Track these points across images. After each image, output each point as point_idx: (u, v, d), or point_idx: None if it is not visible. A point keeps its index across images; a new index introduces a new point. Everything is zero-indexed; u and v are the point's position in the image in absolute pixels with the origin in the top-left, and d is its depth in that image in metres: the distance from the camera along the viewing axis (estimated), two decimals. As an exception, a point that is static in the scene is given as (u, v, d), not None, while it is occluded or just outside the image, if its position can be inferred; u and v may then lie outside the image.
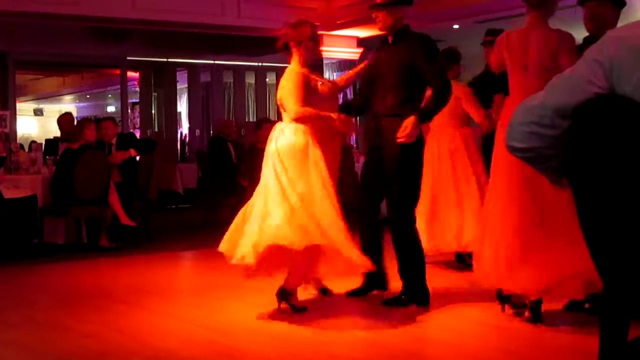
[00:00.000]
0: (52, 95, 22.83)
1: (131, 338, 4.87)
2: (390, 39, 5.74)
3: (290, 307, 5.40)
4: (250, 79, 17.09)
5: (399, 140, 5.37)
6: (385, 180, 5.64)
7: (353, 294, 5.86)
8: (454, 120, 7.00)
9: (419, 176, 5.66)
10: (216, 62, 16.35)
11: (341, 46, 12.38)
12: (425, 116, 5.49)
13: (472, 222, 6.66)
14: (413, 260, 5.61)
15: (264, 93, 17.15)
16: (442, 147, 7.04)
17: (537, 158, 2.14)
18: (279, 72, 18.00)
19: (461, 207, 6.91)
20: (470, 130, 7.16)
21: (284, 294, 5.43)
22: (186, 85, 16.79)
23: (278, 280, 6.06)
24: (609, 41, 2.01)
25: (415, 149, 5.53)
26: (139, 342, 4.77)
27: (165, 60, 15.95)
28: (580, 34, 5.17)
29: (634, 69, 1.94)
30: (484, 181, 6.40)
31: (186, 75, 16.55)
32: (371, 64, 5.87)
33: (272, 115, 17.10)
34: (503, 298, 5.16)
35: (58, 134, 10.77)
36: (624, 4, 5.21)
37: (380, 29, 5.82)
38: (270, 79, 17.25)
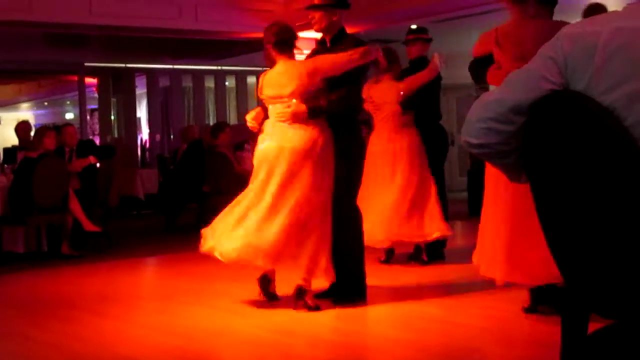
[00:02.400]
0: (9, 103, 22.58)
1: (95, 346, 4.83)
2: (327, 42, 5.79)
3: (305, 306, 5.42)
4: (209, 83, 17.04)
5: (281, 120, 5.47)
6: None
7: (320, 295, 5.84)
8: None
9: (359, 170, 5.75)
10: (175, 66, 16.27)
11: (300, 47, 12.36)
12: (314, 113, 5.48)
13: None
14: (358, 250, 5.64)
15: (223, 97, 17.11)
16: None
17: (494, 154, 2.15)
18: (238, 76, 17.97)
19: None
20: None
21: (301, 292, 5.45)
22: (145, 91, 16.69)
23: (238, 284, 6.07)
24: (563, 38, 2.03)
25: (352, 145, 5.67)
26: (103, 350, 4.73)
27: (124, 65, 15.84)
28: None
29: (587, 67, 1.96)
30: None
31: (145, 80, 16.44)
32: None
33: (233, 119, 17.06)
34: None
35: (16, 142, 10.66)
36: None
37: (316, 30, 5.92)
38: (229, 82, 17.21)
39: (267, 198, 5.35)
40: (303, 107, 5.43)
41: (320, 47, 5.94)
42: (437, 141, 7.44)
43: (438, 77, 7.23)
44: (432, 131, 7.37)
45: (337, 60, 5.54)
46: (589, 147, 1.89)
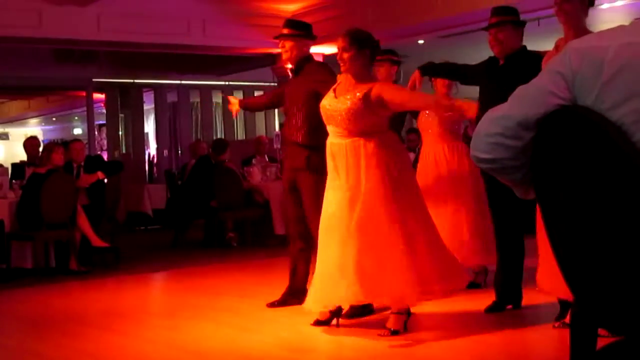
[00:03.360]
0: (18, 119, 22.68)
1: (103, 362, 4.83)
2: (293, 70, 5.92)
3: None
4: (217, 98, 17.07)
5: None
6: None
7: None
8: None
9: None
10: (182, 82, 16.30)
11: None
12: None
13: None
14: None
15: (231, 112, 17.10)
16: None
17: (502, 169, 2.15)
18: (246, 91, 18.00)
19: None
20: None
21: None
22: (153, 106, 16.73)
23: (245, 300, 6.04)
24: (571, 53, 2.02)
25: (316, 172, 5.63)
26: (111, 366, 4.73)
27: (132, 81, 15.89)
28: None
29: (594, 82, 1.96)
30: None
31: (152, 95, 16.48)
32: (284, 92, 6.15)
33: (240, 134, 17.08)
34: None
35: (24, 157, 10.69)
36: (524, 24, 5.50)
37: (285, 59, 6.09)
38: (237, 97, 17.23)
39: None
40: None
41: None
42: None
43: None
44: None
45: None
46: (596, 163, 1.89)
